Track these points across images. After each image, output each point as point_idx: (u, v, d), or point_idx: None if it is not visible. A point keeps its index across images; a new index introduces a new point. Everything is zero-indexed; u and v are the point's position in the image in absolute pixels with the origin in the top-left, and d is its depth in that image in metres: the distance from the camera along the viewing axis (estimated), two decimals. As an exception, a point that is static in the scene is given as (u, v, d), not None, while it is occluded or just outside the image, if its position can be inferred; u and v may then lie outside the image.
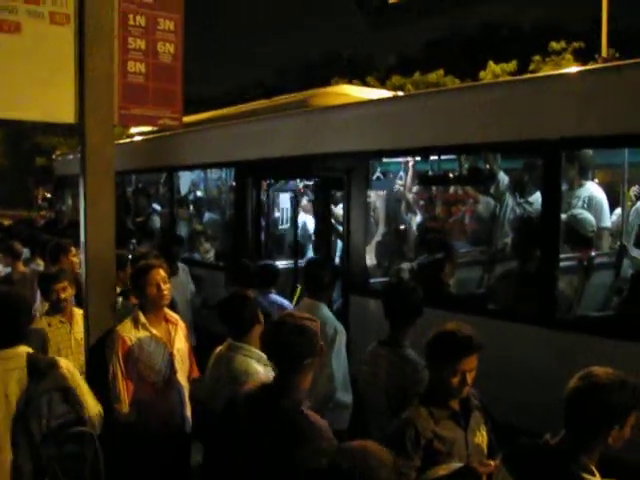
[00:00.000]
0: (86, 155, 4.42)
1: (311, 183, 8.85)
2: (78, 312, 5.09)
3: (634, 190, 6.56)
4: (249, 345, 3.88)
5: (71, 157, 15.03)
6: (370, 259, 7.03)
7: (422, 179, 7.39)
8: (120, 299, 5.40)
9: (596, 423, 2.41)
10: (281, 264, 8.27)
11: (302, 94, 8.65)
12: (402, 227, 7.50)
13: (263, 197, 8.59)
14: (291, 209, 8.79)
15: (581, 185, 5.98)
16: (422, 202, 7.45)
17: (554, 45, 20.75)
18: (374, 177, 7.41)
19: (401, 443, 3.00)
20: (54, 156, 19.22)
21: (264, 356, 3.80)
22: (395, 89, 19.17)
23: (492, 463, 2.75)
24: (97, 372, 4.35)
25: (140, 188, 12.94)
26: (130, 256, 6.61)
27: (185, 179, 11.47)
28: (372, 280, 6.85)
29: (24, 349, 3.68)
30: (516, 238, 6.11)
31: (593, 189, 6.00)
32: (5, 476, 3.49)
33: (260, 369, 3.74)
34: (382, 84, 25.76)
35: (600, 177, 7.16)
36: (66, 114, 4.37)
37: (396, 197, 7.67)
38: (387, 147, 6.62)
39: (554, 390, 2.66)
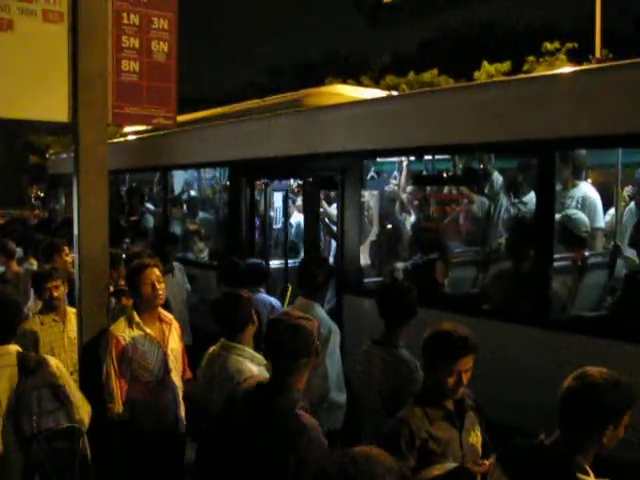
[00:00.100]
0: (79, 154, 4.40)
1: (305, 183, 8.85)
2: (71, 311, 5.08)
3: (627, 190, 6.58)
4: (243, 345, 3.87)
5: (65, 156, 14.99)
6: (364, 259, 7.03)
7: (416, 179, 7.40)
8: (113, 300, 5.37)
9: (590, 423, 2.41)
10: (273, 264, 8.28)
11: (296, 94, 8.65)
12: (396, 227, 7.50)
13: (257, 197, 8.58)
14: (283, 209, 8.79)
15: (575, 185, 6.00)
16: (416, 202, 7.46)
17: (548, 45, 20.76)
18: (368, 177, 7.42)
19: (395, 443, 2.99)
20: (48, 155, 19.16)
21: (258, 356, 3.81)
22: (389, 89, 19.14)
23: (487, 463, 2.75)
24: (90, 371, 4.34)
25: (134, 187, 12.91)
26: (124, 255, 6.59)
27: (179, 178, 11.45)
28: (366, 280, 6.85)
29: (14, 347, 3.72)
30: (510, 238, 6.12)
31: (587, 189, 6.02)
32: (-4, 473, 3.49)
33: (254, 369, 3.73)
34: (376, 84, 25.73)
35: (594, 177, 7.19)
36: (59, 113, 4.35)
37: (390, 197, 7.68)
38: (381, 147, 6.63)
39: (548, 390, 2.66)
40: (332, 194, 8.60)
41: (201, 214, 10.88)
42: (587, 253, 5.64)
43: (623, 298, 5.11)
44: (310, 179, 7.86)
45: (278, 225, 9.19)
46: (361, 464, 1.84)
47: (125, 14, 4.54)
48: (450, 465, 2.96)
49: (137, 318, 4.31)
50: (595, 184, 6.39)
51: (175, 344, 4.46)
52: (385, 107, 7.00)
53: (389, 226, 7.56)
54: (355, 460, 1.84)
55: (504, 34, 35.15)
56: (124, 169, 11.98)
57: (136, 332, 4.28)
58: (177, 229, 10.78)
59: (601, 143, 4.99)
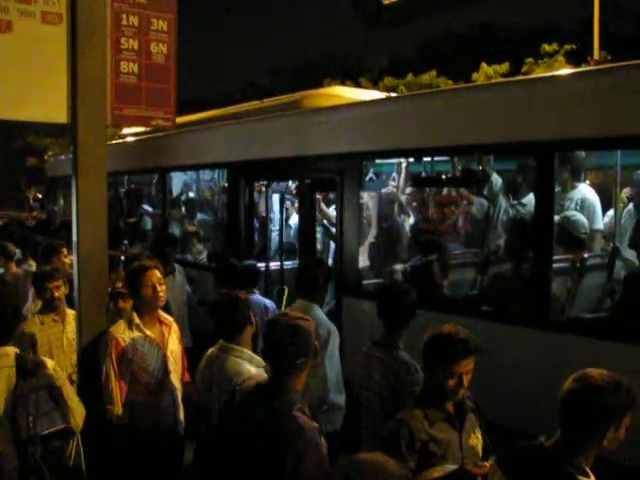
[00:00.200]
0: (78, 156, 4.39)
1: (301, 184, 8.84)
2: (71, 312, 5.09)
3: (626, 192, 6.58)
4: (241, 346, 3.87)
5: (63, 158, 14.98)
6: (363, 260, 7.02)
7: (415, 180, 7.40)
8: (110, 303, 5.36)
9: (591, 425, 2.40)
10: (271, 265, 8.27)
11: (294, 95, 8.64)
12: (395, 228, 7.49)
13: (255, 198, 8.58)
14: (280, 210, 8.78)
15: (574, 187, 6.00)
16: (415, 203, 7.44)
17: (546, 47, 20.78)
18: (367, 178, 7.41)
19: (395, 445, 2.98)
20: (46, 157, 19.16)
21: (256, 357, 3.80)
22: (388, 90, 19.14)
23: (487, 465, 2.75)
24: (90, 373, 4.33)
25: (132, 189, 12.90)
26: (122, 257, 6.59)
27: (177, 180, 11.44)
28: (365, 282, 6.84)
29: (12, 349, 3.72)
30: (509, 240, 6.12)
31: (586, 191, 6.02)
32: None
33: (253, 370, 3.72)
34: (375, 85, 25.74)
35: (592, 179, 7.19)
36: (58, 114, 4.34)
37: (389, 198, 7.66)
38: (380, 148, 6.63)
39: (548, 392, 2.65)
40: (331, 196, 8.59)
41: (199, 216, 10.87)
42: (586, 255, 5.64)
43: (622, 299, 5.11)
44: (308, 181, 7.86)
45: (276, 227, 9.19)
46: (366, 472, 1.83)
47: (124, 15, 4.53)
48: (450, 467, 2.96)
49: (137, 320, 4.30)
50: (594, 186, 6.39)
51: (174, 346, 4.46)
52: (383, 109, 7.00)
53: (388, 228, 7.55)
54: (359, 468, 1.83)
55: (503, 36, 35.19)
56: (123, 171, 11.97)
57: (136, 334, 4.27)
58: (176, 231, 10.76)
59: (600, 145, 5.00)
